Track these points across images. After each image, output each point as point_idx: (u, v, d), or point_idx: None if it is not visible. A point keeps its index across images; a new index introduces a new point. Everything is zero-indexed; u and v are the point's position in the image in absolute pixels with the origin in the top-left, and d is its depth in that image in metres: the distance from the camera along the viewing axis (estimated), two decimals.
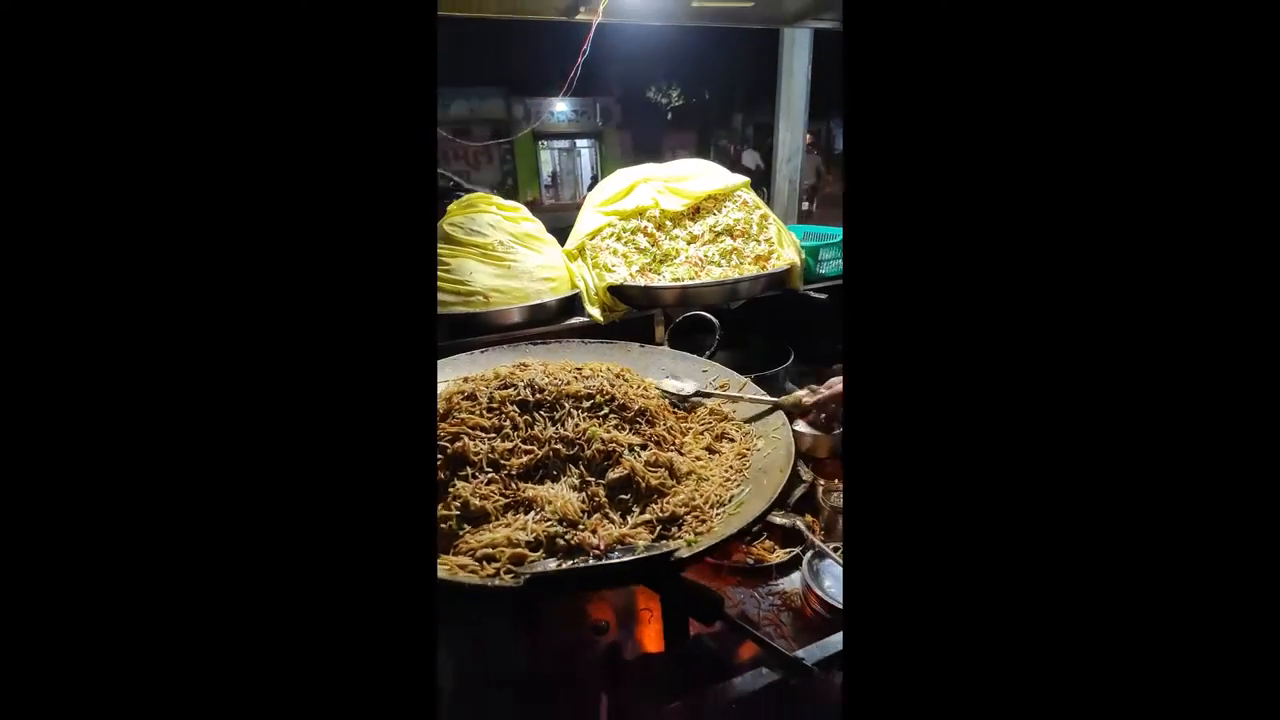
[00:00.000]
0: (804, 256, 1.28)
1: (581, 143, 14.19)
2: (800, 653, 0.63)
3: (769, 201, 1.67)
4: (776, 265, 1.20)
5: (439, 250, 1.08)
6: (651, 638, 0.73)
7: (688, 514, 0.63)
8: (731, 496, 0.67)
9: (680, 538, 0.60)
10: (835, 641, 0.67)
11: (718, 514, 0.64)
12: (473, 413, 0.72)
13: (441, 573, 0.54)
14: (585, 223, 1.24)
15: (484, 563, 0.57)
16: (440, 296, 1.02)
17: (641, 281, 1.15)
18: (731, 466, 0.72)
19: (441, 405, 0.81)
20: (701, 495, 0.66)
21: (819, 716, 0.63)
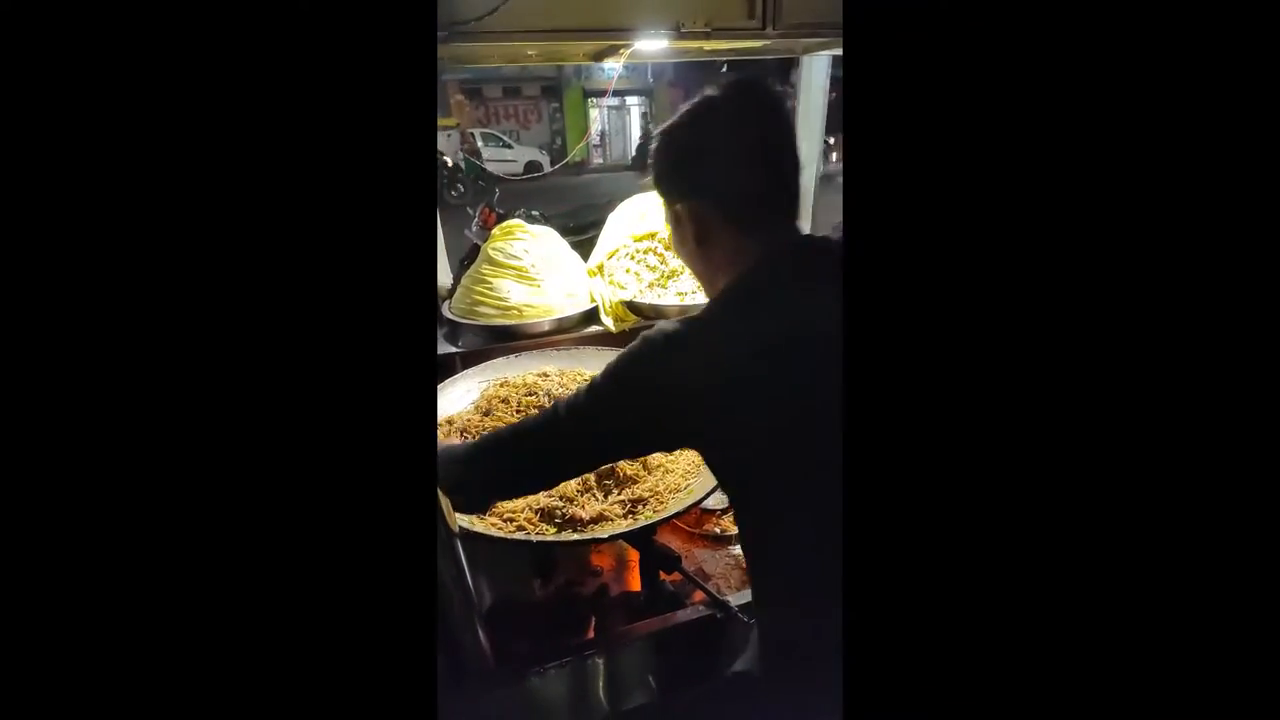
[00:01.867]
0: None
1: (631, 100, 13.84)
2: (730, 597, 0.89)
3: None
4: None
5: (483, 270, 1.34)
6: (632, 581, 1.00)
7: (651, 497, 0.89)
8: (687, 485, 0.92)
9: (642, 514, 0.87)
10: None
11: (673, 498, 0.89)
12: (504, 414, 0.99)
13: (479, 527, 0.82)
14: (605, 243, 1.47)
15: (507, 523, 0.85)
16: (483, 309, 1.29)
17: (650, 298, 1.37)
18: (692, 461, 0.97)
19: (484, 404, 1.09)
20: (664, 484, 0.92)
21: (736, 644, 0.89)
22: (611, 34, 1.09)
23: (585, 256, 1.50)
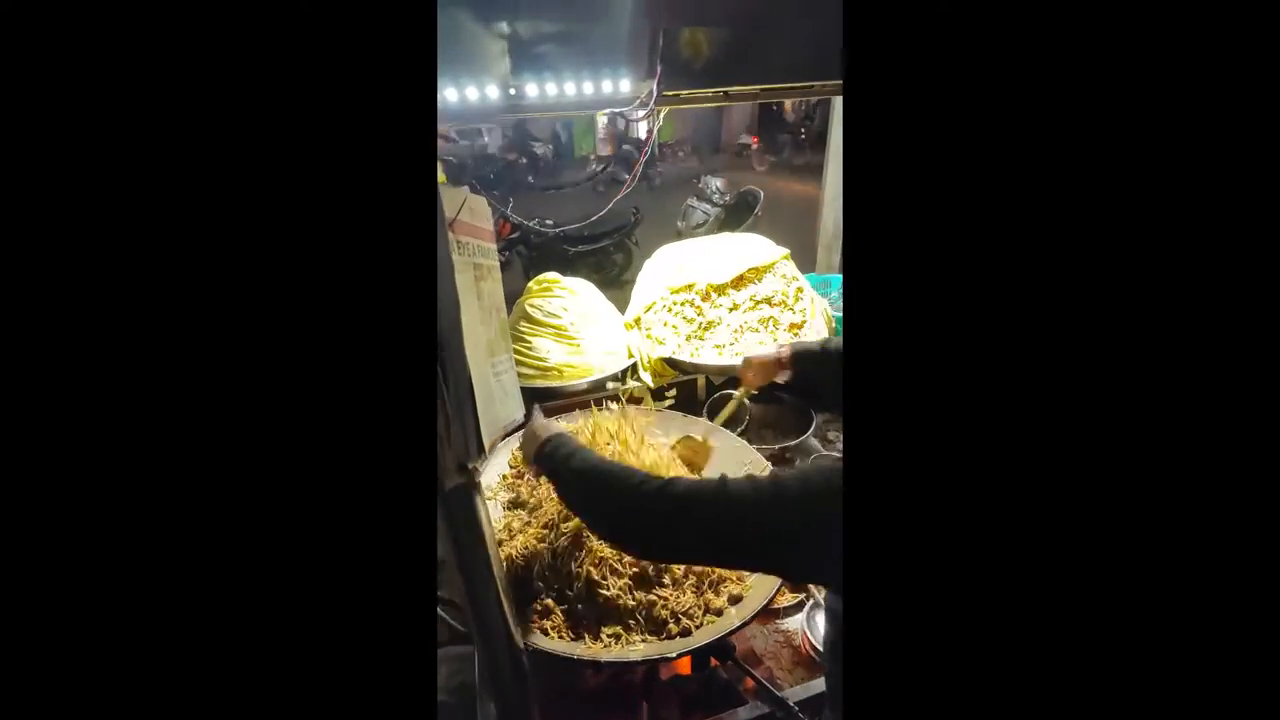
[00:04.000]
0: (833, 325, 1.44)
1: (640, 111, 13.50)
2: (787, 693, 0.89)
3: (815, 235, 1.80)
4: (807, 337, 1.37)
5: (521, 328, 1.32)
6: (682, 665, 1.00)
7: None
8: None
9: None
10: (815, 685, 0.91)
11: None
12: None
13: (551, 646, 0.82)
14: (641, 296, 1.45)
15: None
16: (523, 370, 1.28)
17: (687, 351, 1.36)
18: None
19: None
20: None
21: None
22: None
23: (607, 273, 1.47)
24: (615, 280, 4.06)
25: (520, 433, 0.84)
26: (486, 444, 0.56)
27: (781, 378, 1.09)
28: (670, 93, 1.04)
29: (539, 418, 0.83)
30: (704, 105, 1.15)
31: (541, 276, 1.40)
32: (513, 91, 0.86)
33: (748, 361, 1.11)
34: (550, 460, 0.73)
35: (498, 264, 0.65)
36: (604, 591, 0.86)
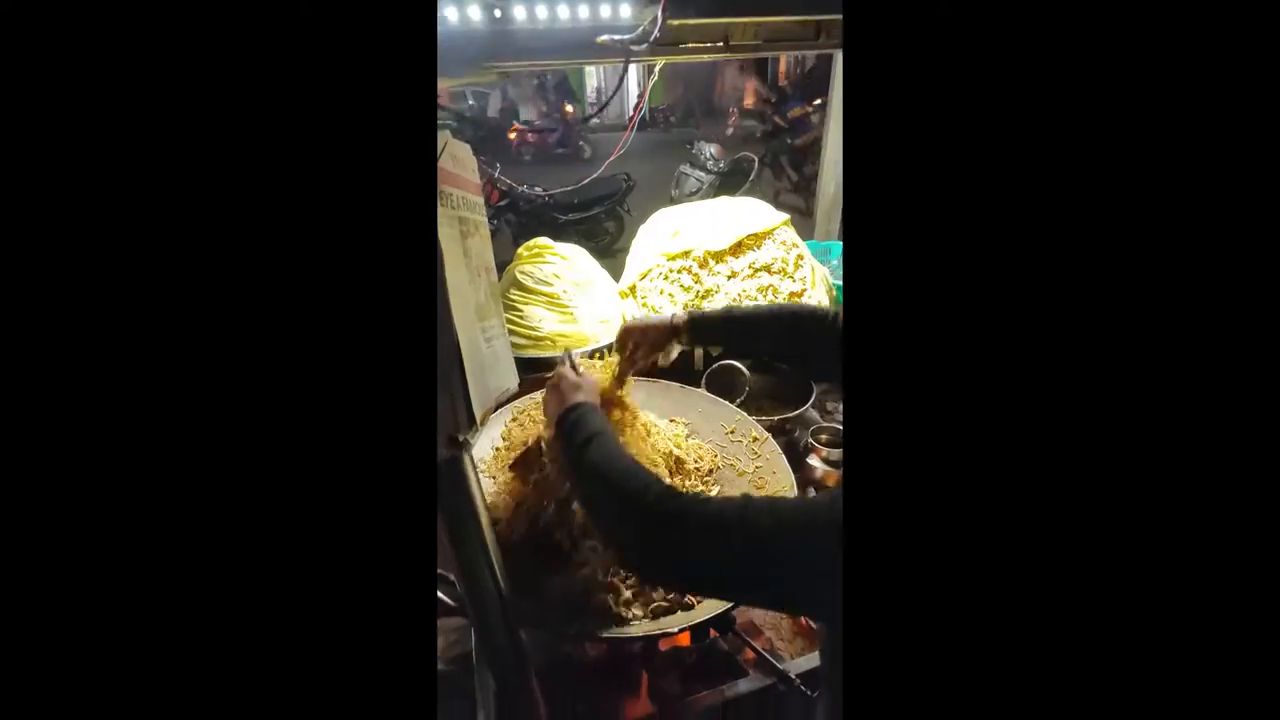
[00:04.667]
0: (834, 293, 1.39)
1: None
2: (787, 664, 0.88)
3: (814, 202, 1.74)
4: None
5: (512, 295, 1.27)
6: (681, 637, 0.99)
7: None
8: None
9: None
10: (816, 656, 0.90)
11: None
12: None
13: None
14: (636, 263, 1.39)
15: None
16: (514, 339, 1.23)
17: None
18: None
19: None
20: None
21: (795, 715, 0.88)
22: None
23: (598, 241, 1.41)
24: (607, 249, 3.98)
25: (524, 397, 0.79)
26: (478, 415, 0.52)
27: (672, 354, 0.92)
28: (668, 45, 0.97)
29: (569, 370, 0.77)
30: (702, 56, 1.08)
31: (532, 242, 1.34)
32: (498, 14, 0.79)
33: (626, 330, 0.91)
34: (568, 438, 0.67)
35: (485, 219, 0.60)
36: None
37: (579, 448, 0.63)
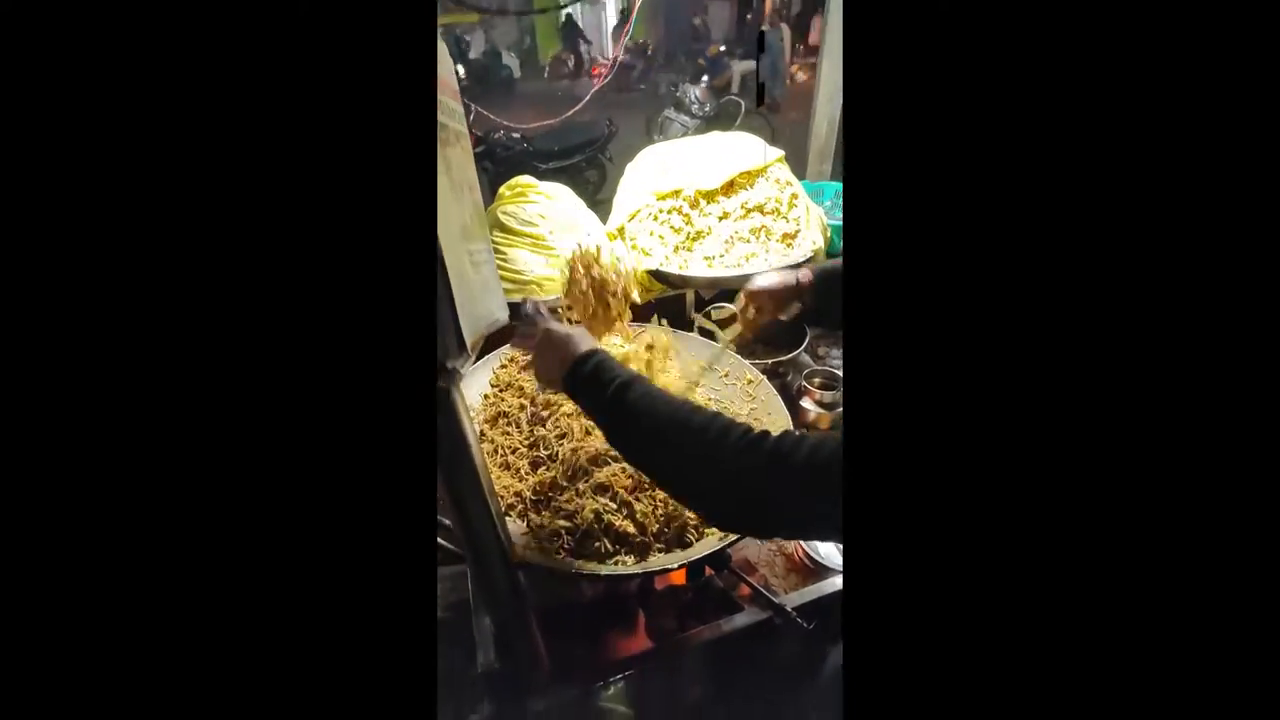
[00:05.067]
0: (829, 234, 1.36)
1: None
2: (782, 599, 0.88)
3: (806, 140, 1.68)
4: (801, 248, 1.29)
5: (495, 238, 1.20)
6: (678, 574, 0.99)
7: None
8: None
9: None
10: (811, 591, 0.91)
11: None
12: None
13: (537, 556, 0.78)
14: (624, 203, 1.33)
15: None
16: None
17: (675, 264, 1.27)
18: None
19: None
20: None
21: (791, 648, 0.90)
22: None
23: (580, 191, 1.36)
24: (590, 200, 3.85)
25: (512, 344, 0.73)
26: (469, 341, 0.48)
27: (793, 310, 0.90)
28: None
29: (552, 322, 0.67)
30: None
31: (514, 180, 1.27)
32: None
33: (750, 294, 0.90)
34: (592, 388, 0.58)
35: (466, 130, 0.54)
36: (613, 520, 0.82)
37: (613, 396, 0.56)
